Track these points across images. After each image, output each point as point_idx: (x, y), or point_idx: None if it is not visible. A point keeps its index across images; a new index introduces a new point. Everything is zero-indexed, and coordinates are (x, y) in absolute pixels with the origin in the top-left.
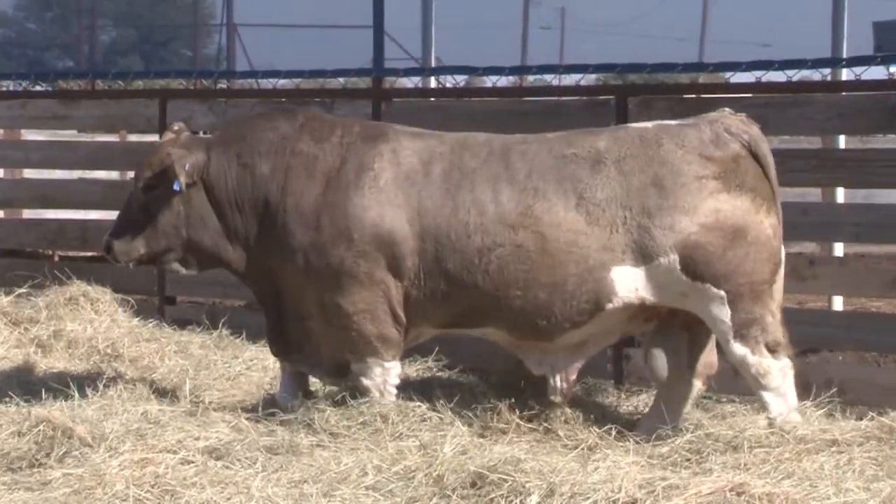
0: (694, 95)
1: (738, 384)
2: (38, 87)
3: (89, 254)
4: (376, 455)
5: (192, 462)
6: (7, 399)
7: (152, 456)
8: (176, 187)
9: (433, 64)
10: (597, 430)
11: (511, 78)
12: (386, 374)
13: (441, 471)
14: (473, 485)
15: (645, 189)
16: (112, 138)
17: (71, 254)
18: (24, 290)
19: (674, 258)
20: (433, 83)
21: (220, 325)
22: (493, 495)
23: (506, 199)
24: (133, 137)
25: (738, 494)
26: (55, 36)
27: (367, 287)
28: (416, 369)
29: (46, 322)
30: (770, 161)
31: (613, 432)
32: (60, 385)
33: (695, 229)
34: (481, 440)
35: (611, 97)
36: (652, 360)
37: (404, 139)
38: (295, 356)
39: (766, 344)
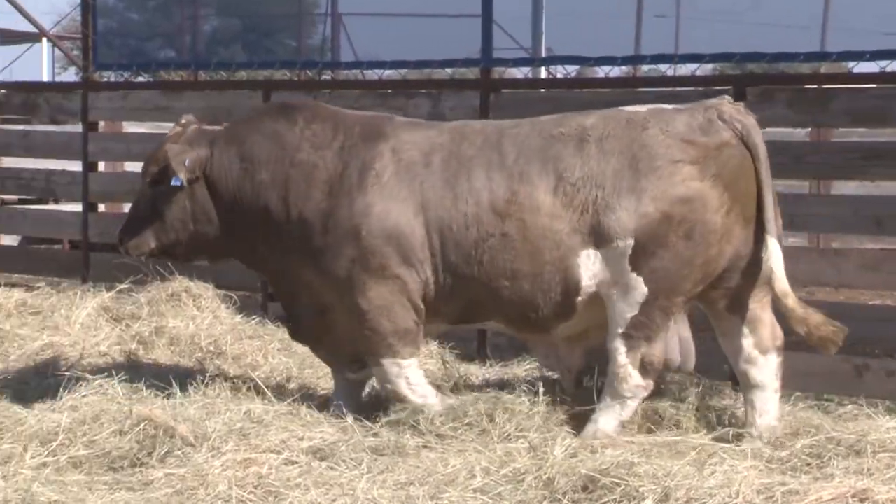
0: (815, 86)
1: (861, 385)
2: (139, 78)
3: None
4: (484, 457)
5: (296, 462)
6: (108, 397)
7: (255, 456)
8: (175, 182)
9: (543, 54)
10: (713, 432)
11: (624, 68)
12: (405, 374)
13: (551, 473)
14: (585, 488)
15: (621, 170)
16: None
17: None
18: (126, 286)
19: (629, 242)
20: (543, 73)
21: None
22: (605, 499)
23: (496, 185)
24: None
25: (861, 501)
26: (157, 26)
27: (382, 283)
28: (524, 369)
29: (148, 318)
30: (762, 153)
31: (730, 435)
32: (162, 383)
33: (657, 216)
34: (592, 442)
35: (728, 87)
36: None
37: (403, 133)
38: (315, 347)
39: (642, 357)
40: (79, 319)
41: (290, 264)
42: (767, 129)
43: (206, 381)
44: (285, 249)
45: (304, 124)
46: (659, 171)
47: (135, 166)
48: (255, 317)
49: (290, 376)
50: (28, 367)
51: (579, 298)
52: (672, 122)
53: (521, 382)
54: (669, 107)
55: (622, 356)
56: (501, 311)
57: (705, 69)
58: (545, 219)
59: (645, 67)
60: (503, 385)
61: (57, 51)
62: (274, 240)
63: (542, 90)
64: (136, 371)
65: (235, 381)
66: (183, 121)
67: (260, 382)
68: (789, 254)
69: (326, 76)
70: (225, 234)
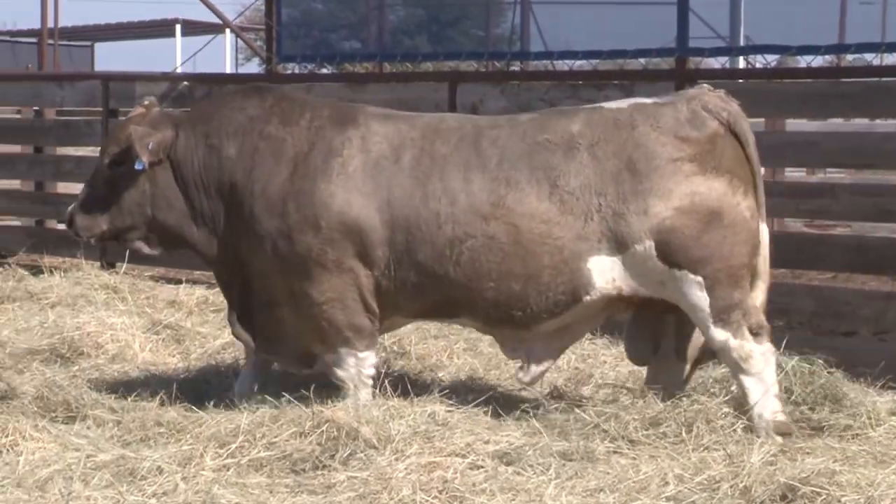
0: None
1: None
2: (324, 70)
3: None
4: (678, 464)
5: (482, 467)
6: (290, 398)
7: (440, 460)
8: (138, 166)
9: (741, 43)
10: None
11: (827, 57)
12: (360, 365)
13: (748, 482)
14: (783, 497)
15: (620, 174)
16: None
17: None
18: None
19: (649, 244)
20: (741, 63)
21: None
22: None
23: (477, 188)
24: None
25: None
26: (342, 16)
27: (336, 275)
28: (721, 371)
29: None
30: (750, 139)
31: None
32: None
33: (669, 214)
34: (791, 448)
35: None
36: (630, 345)
37: (374, 124)
38: (259, 342)
39: (748, 327)
40: None
41: (246, 250)
42: None
43: (389, 381)
44: (246, 232)
45: (273, 101)
46: (660, 170)
47: None
48: None
49: (474, 377)
50: (209, 365)
51: (588, 297)
52: (660, 118)
53: (719, 386)
54: (649, 100)
55: (731, 341)
56: (480, 310)
57: None
58: (541, 225)
59: (849, 57)
60: (701, 390)
61: (240, 42)
62: (235, 220)
63: (741, 81)
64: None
65: (419, 381)
66: (146, 102)
67: (444, 383)
68: None
69: (515, 67)
70: (185, 220)
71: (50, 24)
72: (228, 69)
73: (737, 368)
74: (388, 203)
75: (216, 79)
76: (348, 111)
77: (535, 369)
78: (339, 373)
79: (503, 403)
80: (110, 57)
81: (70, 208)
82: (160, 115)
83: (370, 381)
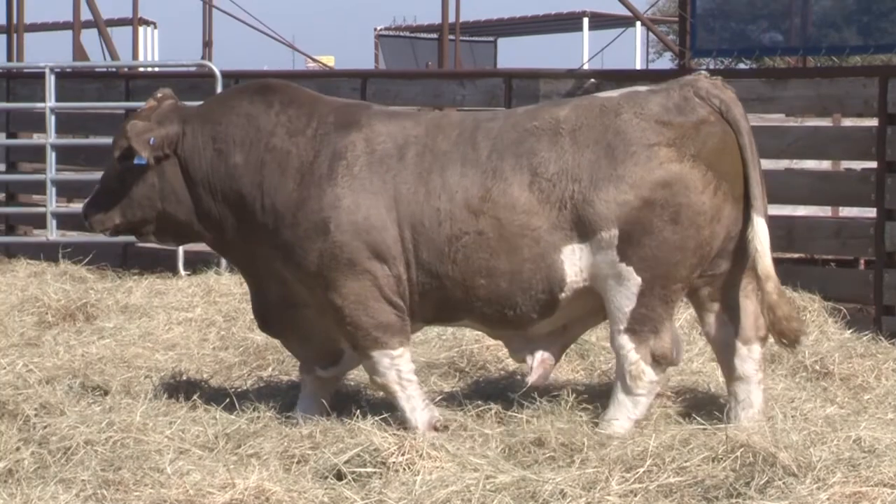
0: None
1: None
2: (741, 65)
3: (795, 255)
4: None
5: None
6: (700, 420)
7: (866, 490)
8: (138, 161)
9: None
10: None
11: None
12: (396, 364)
13: None
14: None
15: (598, 161)
16: (824, 123)
17: (775, 255)
18: None
19: (614, 233)
20: None
21: None
22: None
23: (470, 182)
24: (847, 122)
25: None
26: (762, 6)
27: (352, 278)
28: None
29: None
30: (744, 126)
31: None
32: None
33: (638, 203)
34: None
35: None
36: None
37: (378, 124)
38: (286, 341)
39: (652, 350)
40: None
41: (261, 255)
42: None
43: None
44: (258, 239)
45: (279, 108)
46: (635, 157)
47: None
48: (867, 332)
49: None
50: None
51: (563, 294)
52: (646, 105)
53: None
54: (644, 89)
55: (632, 353)
56: (477, 310)
57: None
58: (522, 216)
59: None
60: None
61: (651, 35)
62: (246, 228)
63: None
64: None
65: (841, 403)
66: (159, 95)
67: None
68: None
69: None
70: (194, 215)
71: (451, 19)
72: (638, 65)
73: (621, 379)
74: (395, 200)
75: (625, 75)
76: (352, 113)
77: (540, 370)
78: (378, 379)
79: None
80: (513, 53)
81: (85, 203)
82: (169, 110)
83: (413, 377)
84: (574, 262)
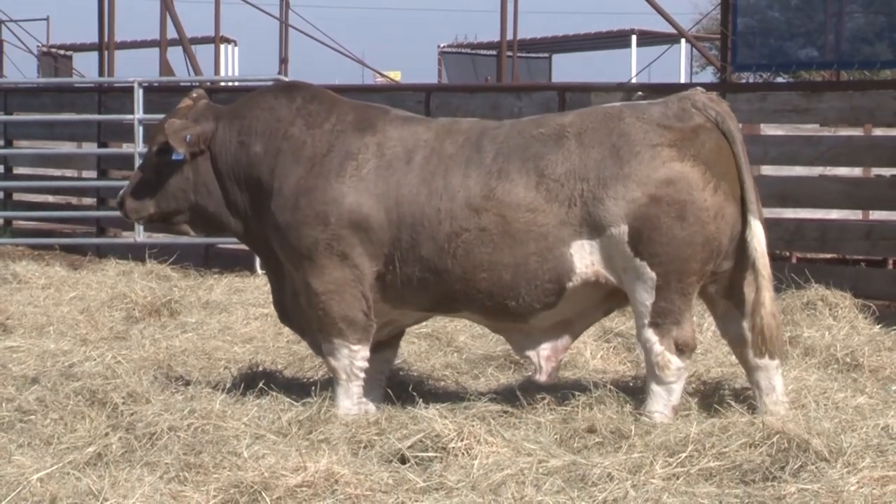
0: None
1: None
2: (779, 79)
3: (828, 255)
4: None
5: None
6: (738, 408)
7: (893, 474)
8: (176, 157)
9: None
10: None
11: None
12: (352, 357)
13: None
14: None
15: (603, 160)
16: (856, 132)
17: (809, 255)
18: None
19: (624, 229)
20: None
21: None
22: None
23: (472, 183)
24: (878, 131)
25: None
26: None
27: (339, 268)
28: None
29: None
30: (737, 137)
31: None
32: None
33: (645, 200)
34: None
35: None
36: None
37: (391, 129)
38: (301, 334)
39: (676, 340)
40: None
41: (272, 243)
42: None
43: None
44: (268, 225)
45: (301, 103)
46: (640, 156)
47: (771, 170)
48: (895, 327)
49: None
50: None
51: (571, 283)
52: (647, 111)
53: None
54: (644, 102)
55: (657, 345)
56: (478, 302)
57: None
58: (528, 214)
59: None
60: None
61: (695, 51)
62: (261, 214)
63: None
64: None
65: (872, 394)
66: (194, 94)
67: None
68: None
69: None
70: (222, 208)
71: (509, 36)
72: (683, 79)
73: (651, 371)
74: (397, 202)
75: (670, 88)
76: (370, 116)
77: (546, 367)
78: (333, 362)
79: None
80: (567, 68)
81: (121, 192)
82: (204, 108)
83: (362, 374)
84: (584, 256)
